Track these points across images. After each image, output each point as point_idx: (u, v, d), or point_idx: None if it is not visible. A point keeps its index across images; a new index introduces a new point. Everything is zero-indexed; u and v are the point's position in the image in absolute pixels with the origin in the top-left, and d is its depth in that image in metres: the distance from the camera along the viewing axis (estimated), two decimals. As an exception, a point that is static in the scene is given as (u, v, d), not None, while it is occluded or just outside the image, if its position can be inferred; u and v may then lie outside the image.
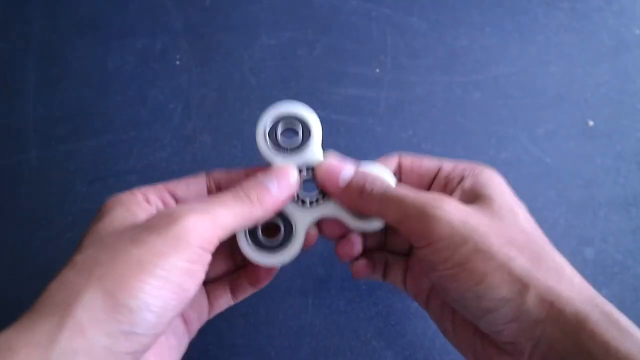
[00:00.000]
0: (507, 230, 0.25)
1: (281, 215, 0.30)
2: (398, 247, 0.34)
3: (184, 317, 0.30)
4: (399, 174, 0.32)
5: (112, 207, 0.27)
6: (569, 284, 0.24)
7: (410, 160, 0.32)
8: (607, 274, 0.40)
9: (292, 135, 0.31)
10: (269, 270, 0.32)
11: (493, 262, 0.24)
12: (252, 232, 0.30)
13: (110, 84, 0.45)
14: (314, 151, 0.30)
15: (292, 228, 0.30)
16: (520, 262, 0.24)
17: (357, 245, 0.32)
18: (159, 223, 0.24)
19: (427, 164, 0.31)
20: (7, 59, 0.46)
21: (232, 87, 0.45)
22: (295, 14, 0.48)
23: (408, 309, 0.39)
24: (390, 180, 0.30)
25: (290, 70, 0.46)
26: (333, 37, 0.47)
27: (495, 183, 0.28)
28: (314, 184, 0.31)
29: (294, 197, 0.30)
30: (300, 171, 0.30)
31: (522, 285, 0.23)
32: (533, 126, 0.44)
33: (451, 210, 0.25)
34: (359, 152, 0.43)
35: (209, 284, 0.32)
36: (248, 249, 0.30)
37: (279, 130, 0.30)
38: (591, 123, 0.45)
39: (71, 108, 0.44)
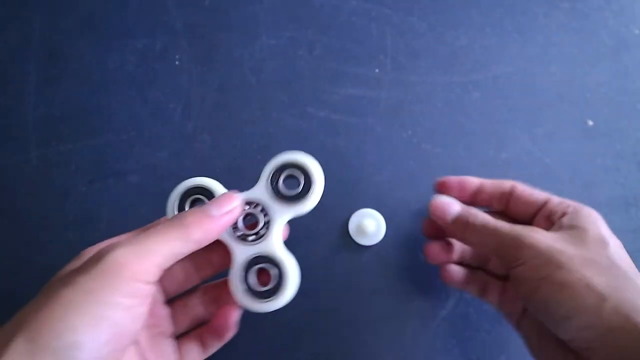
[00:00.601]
0: (592, 256, 0.28)
1: (271, 260, 0.30)
2: (497, 270, 0.37)
3: None
4: (506, 199, 0.35)
5: (70, 262, 0.28)
6: None
7: (523, 189, 0.35)
8: (607, 274, 0.40)
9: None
10: (225, 326, 0.32)
11: (573, 276, 0.27)
12: (245, 277, 0.30)
13: (110, 84, 0.45)
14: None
15: (281, 272, 0.30)
16: (600, 280, 0.27)
17: (451, 253, 0.37)
18: (89, 262, 0.24)
19: (538, 195, 0.35)
20: (7, 59, 0.46)
21: (232, 87, 0.45)
22: (295, 14, 0.48)
23: (408, 309, 0.39)
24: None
25: (290, 70, 0.46)
26: (333, 37, 0.47)
27: (592, 218, 0.31)
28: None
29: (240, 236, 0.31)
30: (251, 205, 0.31)
31: (599, 297, 0.26)
32: (533, 126, 0.44)
33: (540, 237, 0.29)
34: (359, 152, 0.43)
35: (180, 337, 0.32)
36: (240, 295, 0.30)
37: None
38: (591, 123, 0.45)
39: (71, 108, 0.44)
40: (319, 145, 0.43)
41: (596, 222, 0.31)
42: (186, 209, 0.31)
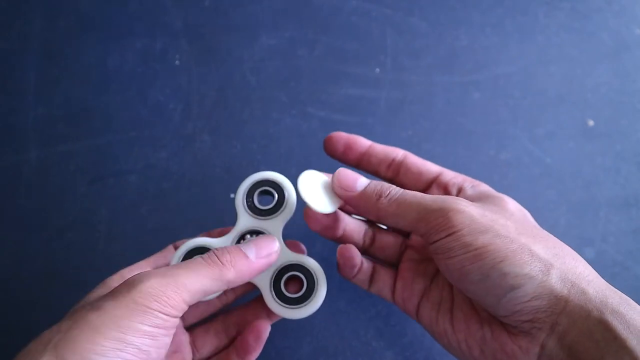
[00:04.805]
0: (521, 225, 0.27)
1: (301, 268, 0.32)
2: (387, 256, 0.34)
3: None
4: (397, 167, 0.34)
5: (95, 289, 0.29)
6: (586, 269, 0.26)
7: (415, 159, 0.34)
8: (607, 274, 0.40)
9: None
10: (257, 339, 0.32)
11: (515, 244, 0.25)
12: (276, 287, 0.31)
13: (110, 84, 0.45)
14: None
15: (314, 281, 0.31)
16: (539, 247, 0.26)
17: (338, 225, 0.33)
18: (119, 289, 0.24)
19: (430, 166, 0.34)
20: (7, 59, 0.46)
21: (232, 87, 0.45)
22: (295, 14, 0.48)
23: (408, 309, 0.39)
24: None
25: (290, 70, 0.46)
26: (333, 37, 0.47)
27: (494, 191, 0.31)
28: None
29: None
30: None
31: (545, 264, 0.25)
32: (533, 126, 0.44)
33: (469, 205, 0.27)
34: (359, 152, 0.43)
35: None
36: (273, 304, 0.31)
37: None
38: (591, 123, 0.45)
39: (71, 108, 0.44)
40: (319, 145, 0.43)
41: (501, 195, 0.31)
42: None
